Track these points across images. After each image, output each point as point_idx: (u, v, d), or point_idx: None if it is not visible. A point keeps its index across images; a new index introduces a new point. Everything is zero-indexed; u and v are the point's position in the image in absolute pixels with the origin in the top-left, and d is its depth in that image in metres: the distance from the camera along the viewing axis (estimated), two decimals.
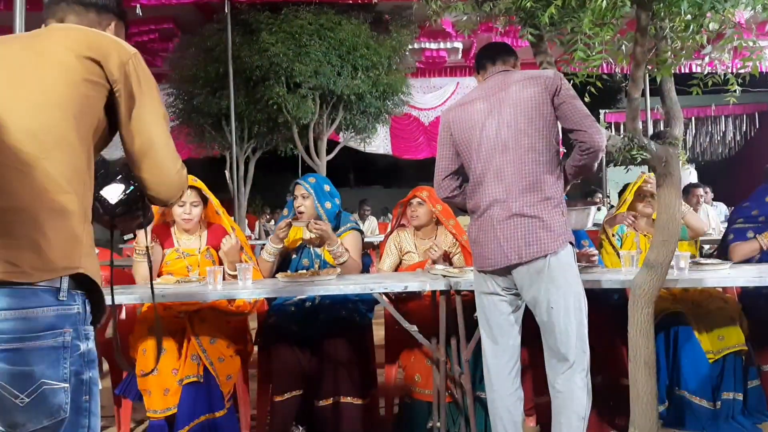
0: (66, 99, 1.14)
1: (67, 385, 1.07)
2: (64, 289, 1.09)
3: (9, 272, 1.03)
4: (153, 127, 1.24)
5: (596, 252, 3.02)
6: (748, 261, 3.12)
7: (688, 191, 6.22)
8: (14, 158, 1.07)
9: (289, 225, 2.91)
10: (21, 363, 1.02)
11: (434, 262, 3.02)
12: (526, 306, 2.25)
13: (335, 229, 3.02)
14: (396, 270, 3.21)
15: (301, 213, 2.97)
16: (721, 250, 3.19)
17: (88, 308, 1.15)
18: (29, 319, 1.04)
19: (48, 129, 1.11)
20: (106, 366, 2.91)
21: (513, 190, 2.13)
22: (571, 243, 2.15)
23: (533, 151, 2.12)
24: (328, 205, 3.02)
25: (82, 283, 1.14)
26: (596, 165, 2.17)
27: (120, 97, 1.21)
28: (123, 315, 3.03)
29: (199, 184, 2.86)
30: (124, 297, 2.46)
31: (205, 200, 2.91)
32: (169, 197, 1.31)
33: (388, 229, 3.40)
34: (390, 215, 11.85)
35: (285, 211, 3.23)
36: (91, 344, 1.14)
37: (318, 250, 3.03)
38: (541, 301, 2.12)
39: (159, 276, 2.79)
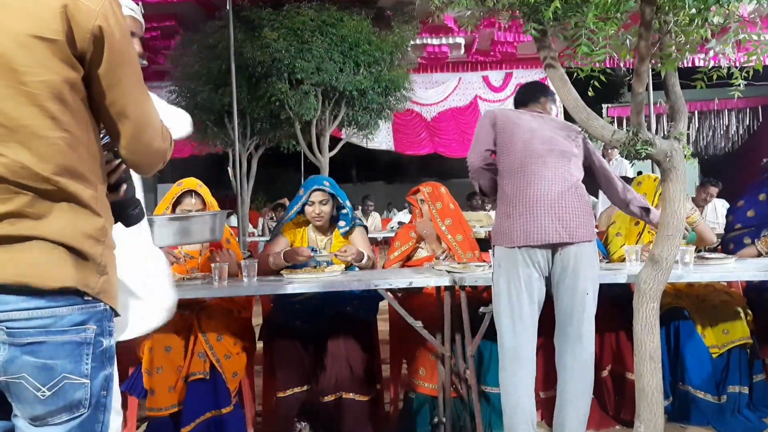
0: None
1: (87, 381, 1.08)
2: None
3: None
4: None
5: None
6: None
7: (701, 187, 6.21)
8: None
9: (311, 257, 2.90)
10: (44, 356, 1.04)
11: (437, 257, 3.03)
12: None
13: (349, 230, 3.04)
14: (408, 261, 3.22)
15: (321, 218, 2.95)
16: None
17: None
18: (56, 316, 1.05)
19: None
20: None
21: (560, 181, 2.31)
22: None
23: (575, 166, 2.38)
24: (348, 203, 3.05)
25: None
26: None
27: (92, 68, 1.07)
28: None
29: (204, 190, 2.85)
30: None
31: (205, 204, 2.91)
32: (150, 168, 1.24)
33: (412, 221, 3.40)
34: (394, 211, 11.93)
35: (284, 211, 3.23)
36: (113, 340, 1.15)
37: (323, 259, 3.00)
38: (579, 285, 2.25)
39: None
